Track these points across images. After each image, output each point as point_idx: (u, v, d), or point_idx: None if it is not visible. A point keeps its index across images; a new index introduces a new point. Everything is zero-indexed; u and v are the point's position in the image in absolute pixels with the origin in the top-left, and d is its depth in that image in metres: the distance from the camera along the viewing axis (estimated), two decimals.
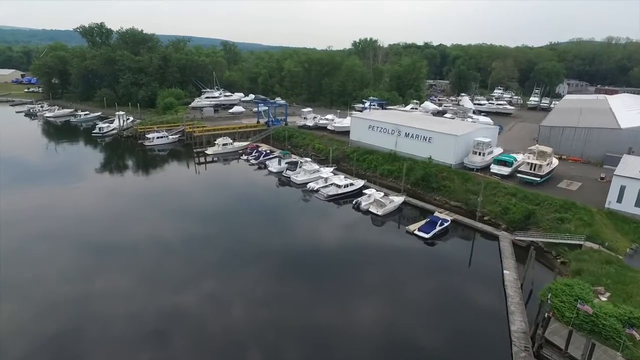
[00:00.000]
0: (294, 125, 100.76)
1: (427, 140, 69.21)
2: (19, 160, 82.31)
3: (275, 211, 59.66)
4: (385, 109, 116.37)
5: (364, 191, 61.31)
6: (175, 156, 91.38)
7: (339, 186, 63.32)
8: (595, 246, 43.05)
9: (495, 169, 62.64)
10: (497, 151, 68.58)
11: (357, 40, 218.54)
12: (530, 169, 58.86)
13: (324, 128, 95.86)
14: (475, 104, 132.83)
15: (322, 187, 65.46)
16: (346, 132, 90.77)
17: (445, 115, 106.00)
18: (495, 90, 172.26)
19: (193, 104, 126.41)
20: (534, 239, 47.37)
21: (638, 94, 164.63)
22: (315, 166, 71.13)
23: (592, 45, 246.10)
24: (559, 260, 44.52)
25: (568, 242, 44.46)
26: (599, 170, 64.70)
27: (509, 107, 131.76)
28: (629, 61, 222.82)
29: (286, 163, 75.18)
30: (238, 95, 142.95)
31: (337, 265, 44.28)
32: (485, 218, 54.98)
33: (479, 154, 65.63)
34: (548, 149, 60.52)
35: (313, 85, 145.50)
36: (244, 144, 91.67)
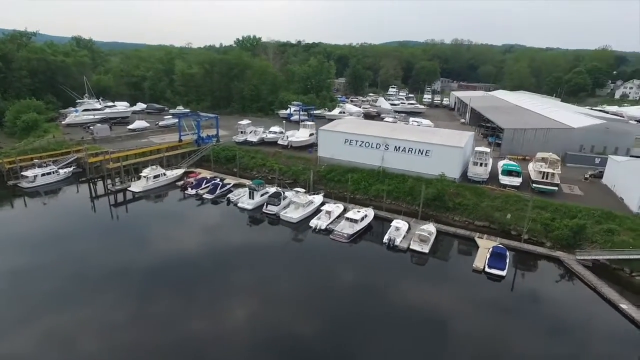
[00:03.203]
0: (229, 142, 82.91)
1: (424, 153, 62.41)
2: None
3: (291, 270, 44.72)
4: (312, 115, 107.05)
5: (393, 223, 51.12)
6: (74, 199, 64.05)
7: (354, 220, 51.42)
8: None
9: (505, 180, 59.58)
10: (490, 161, 66.18)
11: (240, 38, 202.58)
12: (543, 178, 57.48)
13: (272, 143, 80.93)
14: (390, 104, 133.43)
15: (329, 223, 52.71)
16: (304, 147, 78.59)
17: (386, 120, 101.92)
18: (390, 89, 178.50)
19: (68, 120, 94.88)
20: (599, 257, 44.93)
21: (490, 89, 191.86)
22: (308, 196, 57.43)
23: (445, 47, 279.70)
24: (638, 278, 42.76)
25: None
26: (573, 170, 67.84)
27: (420, 106, 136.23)
28: (476, 61, 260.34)
29: (262, 196, 59.28)
30: (122, 105, 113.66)
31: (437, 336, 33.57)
32: (525, 237, 50.89)
33: (481, 164, 61.96)
34: (555, 156, 60.13)
35: (218, 90, 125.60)
36: (178, 171, 70.59)
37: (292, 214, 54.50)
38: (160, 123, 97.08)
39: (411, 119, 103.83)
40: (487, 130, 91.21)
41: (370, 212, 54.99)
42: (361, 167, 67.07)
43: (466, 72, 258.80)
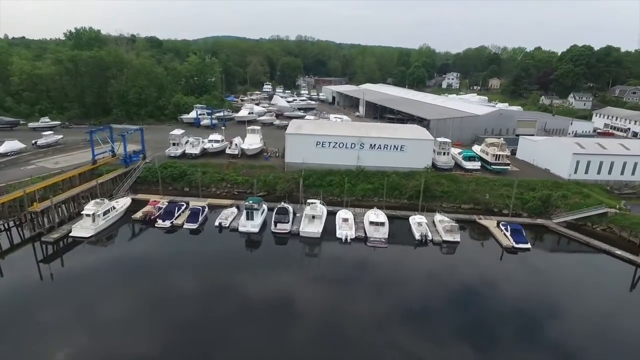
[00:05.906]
0: (160, 157, 69.14)
1: (399, 149, 65.39)
2: None
3: (372, 289, 41.75)
4: (223, 119, 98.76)
5: (415, 219, 52.55)
6: None
7: (380, 224, 50.79)
8: (612, 210, 55.89)
9: (469, 165, 67.65)
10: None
11: (73, 30, 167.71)
12: (497, 160, 67.61)
13: (216, 154, 71.07)
14: (286, 101, 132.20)
15: (356, 231, 50.55)
16: (257, 155, 72.06)
17: (307, 117, 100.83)
18: (264, 86, 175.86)
19: None
20: (569, 218, 56.29)
21: (342, 83, 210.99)
22: (321, 206, 53.46)
23: (292, 43, 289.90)
24: (598, 229, 55.28)
25: (597, 212, 55.34)
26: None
27: (312, 102, 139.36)
28: (323, 56, 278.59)
29: (262, 214, 52.32)
30: None
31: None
32: (505, 212, 59.52)
33: (444, 154, 68.64)
34: (502, 141, 70.79)
35: (88, 95, 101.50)
36: (125, 201, 55.56)
37: (313, 228, 50.02)
38: (39, 141, 73.45)
39: (331, 115, 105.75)
40: (401, 122, 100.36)
41: (380, 213, 54.91)
42: (335, 168, 65.77)
43: (316, 67, 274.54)
